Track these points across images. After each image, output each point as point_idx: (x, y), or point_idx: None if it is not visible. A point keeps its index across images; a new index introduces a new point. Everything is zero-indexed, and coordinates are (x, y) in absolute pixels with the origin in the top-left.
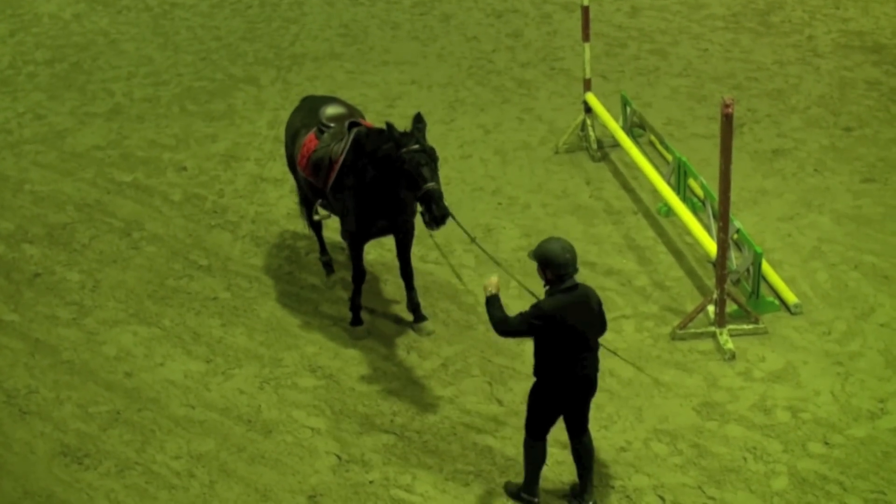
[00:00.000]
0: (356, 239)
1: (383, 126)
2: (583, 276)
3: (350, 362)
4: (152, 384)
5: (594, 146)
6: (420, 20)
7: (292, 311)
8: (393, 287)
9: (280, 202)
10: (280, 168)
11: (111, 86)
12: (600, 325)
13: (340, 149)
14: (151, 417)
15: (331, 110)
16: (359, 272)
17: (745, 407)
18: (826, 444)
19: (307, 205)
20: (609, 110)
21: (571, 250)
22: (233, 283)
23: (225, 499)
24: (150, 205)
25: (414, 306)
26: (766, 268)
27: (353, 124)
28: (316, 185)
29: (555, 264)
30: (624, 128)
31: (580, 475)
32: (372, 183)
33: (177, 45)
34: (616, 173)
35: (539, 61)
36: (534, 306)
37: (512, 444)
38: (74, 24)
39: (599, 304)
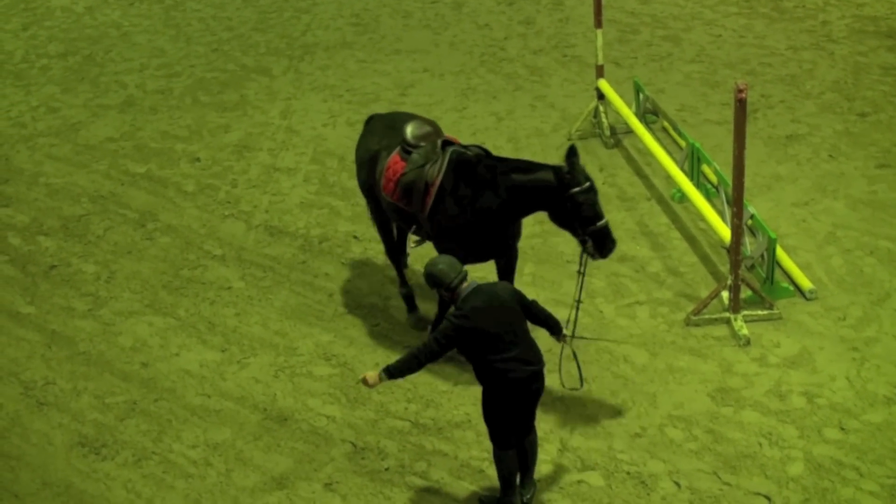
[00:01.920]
0: None
1: (478, 144)
2: (596, 262)
3: (364, 350)
4: (168, 374)
5: (607, 133)
6: (431, 8)
7: (307, 299)
8: (408, 273)
9: (293, 191)
10: (293, 157)
11: (124, 78)
12: (522, 314)
13: (436, 171)
14: (168, 407)
15: (415, 129)
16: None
17: (760, 393)
18: (842, 429)
19: (387, 231)
20: (622, 97)
21: (445, 261)
22: (247, 272)
23: (241, 487)
24: (163, 196)
25: None
26: (781, 253)
27: (446, 143)
28: (407, 209)
29: (433, 281)
30: (637, 114)
31: (521, 472)
32: (486, 210)
33: (189, 36)
34: (629, 159)
35: (551, 48)
36: (446, 320)
37: None
38: (87, 17)
39: (513, 293)
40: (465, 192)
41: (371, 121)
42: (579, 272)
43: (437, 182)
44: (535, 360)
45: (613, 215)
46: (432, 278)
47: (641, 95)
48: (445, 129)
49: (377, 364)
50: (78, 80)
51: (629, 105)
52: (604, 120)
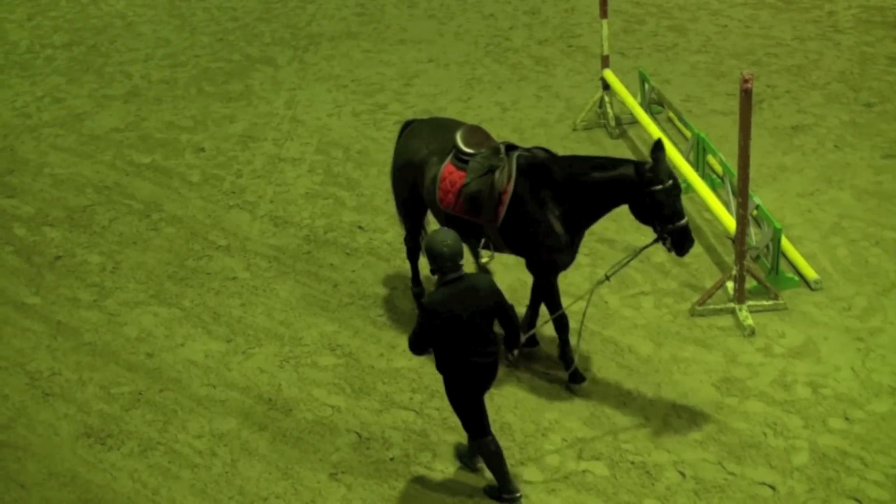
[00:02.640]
0: (556, 274)
1: (539, 146)
2: (601, 252)
3: (369, 340)
4: (173, 364)
5: (612, 123)
6: None
7: (311, 290)
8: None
9: (298, 182)
10: (298, 148)
11: (129, 68)
12: (494, 313)
13: (505, 178)
14: (173, 397)
15: (467, 136)
16: (564, 314)
17: (765, 383)
18: (846, 419)
19: (415, 236)
20: (627, 87)
21: (452, 245)
22: (252, 262)
23: (247, 477)
24: (168, 186)
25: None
26: (786, 244)
27: (509, 148)
28: (474, 221)
29: (432, 256)
30: (642, 104)
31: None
32: (573, 212)
33: (193, 26)
34: (634, 150)
35: (556, 38)
36: (420, 306)
37: (531, 420)
38: (92, 7)
39: (494, 292)
40: (546, 195)
41: (411, 125)
42: (601, 281)
43: (510, 190)
44: (494, 350)
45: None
46: (433, 253)
47: (647, 86)
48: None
49: (381, 354)
50: (83, 71)
51: (634, 95)
52: (609, 110)
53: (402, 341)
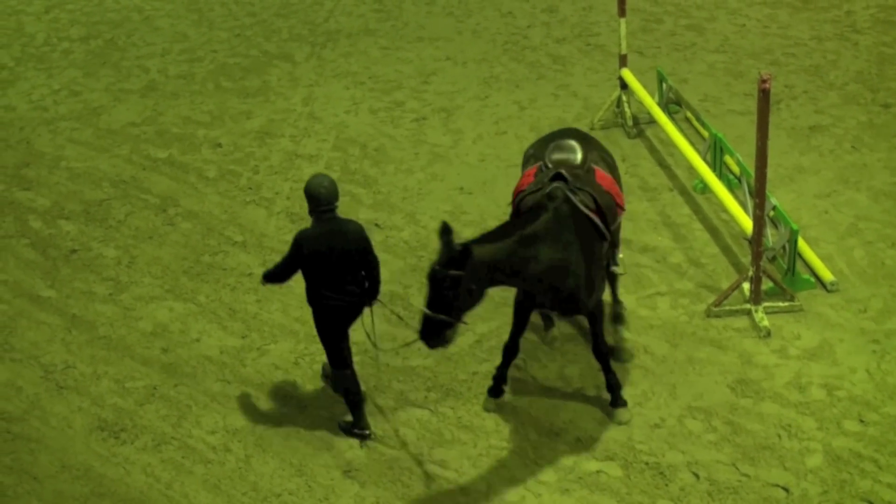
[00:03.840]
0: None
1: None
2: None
3: (385, 338)
4: (188, 359)
5: (630, 122)
6: None
7: None
8: (426, 263)
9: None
10: (315, 144)
11: (146, 62)
12: (361, 261)
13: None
14: (187, 392)
15: (555, 151)
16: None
17: (780, 384)
18: (861, 421)
19: None
20: (645, 86)
21: (328, 187)
22: (268, 258)
23: (260, 473)
24: (185, 181)
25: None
26: (803, 245)
27: (556, 177)
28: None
29: (309, 196)
30: (660, 104)
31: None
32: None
33: (211, 21)
34: (652, 150)
35: (574, 37)
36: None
37: (547, 419)
38: (109, 1)
39: (362, 239)
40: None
41: (557, 134)
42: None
43: None
44: (353, 292)
45: (635, 206)
46: (309, 193)
47: (664, 85)
48: (467, 117)
49: (396, 353)
50: (100, 64)
51: (652, 95)
52: (626, 110)
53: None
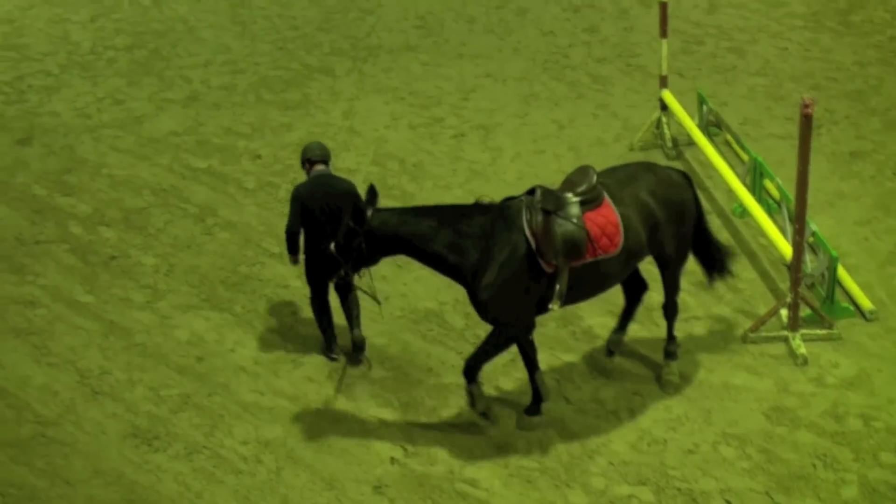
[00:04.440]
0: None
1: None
2: (654, 274)
3: (418, 355)
4: (223, 369)
5: (669, 144)
6: (496, 14)
7: (363, 302)
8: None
9: None
10: (353, 158)
11: (189, 73)
12: (348, 208)
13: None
14: (221, 402)
15: (571, 176)
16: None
17: (816, 413)
18: None
19: None
20: (685, 108)
21: (322, 147)
22: (303, 271)
23: (291, 485)
24: (224, 191)
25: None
26: (842, 272)
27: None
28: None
29: (302, 154)
30: (700, 126)
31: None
32: None
33: (254, 33)
34: (690, 172)
35: (615, 57)
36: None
37: (579, 441)
38: (154, 11)
39: (350, 193)
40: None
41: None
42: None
43: None
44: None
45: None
46: (303, 151)
47: (705, 107)
48: (506, 135)
49: (430, 370)
50: (144, 74)
51: (692, 117)
52: (666, 131)
53: (452, 357)
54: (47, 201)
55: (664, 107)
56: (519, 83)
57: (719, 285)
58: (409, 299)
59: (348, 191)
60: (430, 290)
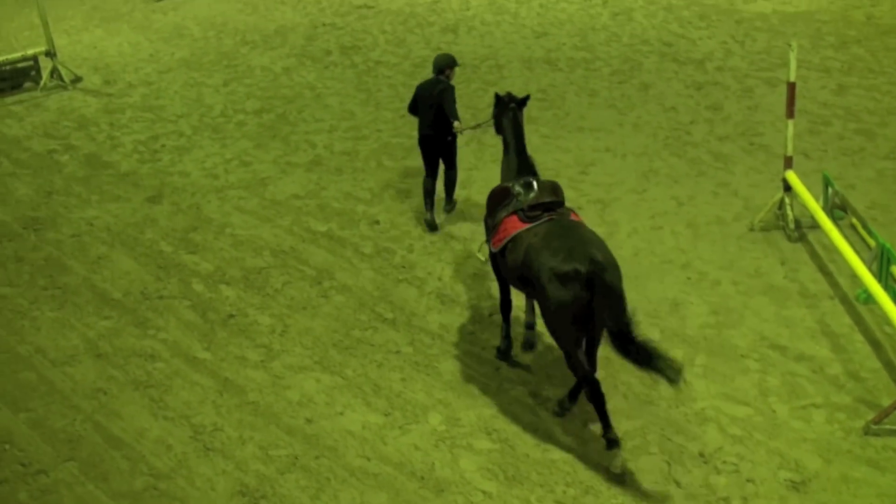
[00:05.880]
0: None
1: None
2: (772, 359)
3: (527, 428)
4: (331, 432)
5: (792, 226)
6: (618, 88)
7: (473, 370)
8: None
9: (467, 262)
10: (469, 228)
11: (313, 138)
12: (445, 103)
13: None
14: (328, 465)
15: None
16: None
17: None
18: None
19: None
20: (809, 190)
21: (439, 59)
22: (416, 338)
23: None
24: (341, 255)
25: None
26: None
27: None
28: None
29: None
30: (824, 209)
31: (446, 194)
32: None
33: (378, 101)
34: (813, 255)
35: (738, 135)
36: None
37: None
38: (284, 77)
39: (444, 91)
40: None
41: None
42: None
43: None
44: (430, 128)
45: (793, 311)
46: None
47: (830, 190)
48: (623, 210)
49: (538, 444)
50: (270, 137)
51: (816, 199)
52: (789, 212)
53: (559, 431)
54: (172, 258)
55: (788, 187)
56: (638, 158)
57: (841, 375)
58: (519, 370)
59: (444, 86)
60: (541, 364)
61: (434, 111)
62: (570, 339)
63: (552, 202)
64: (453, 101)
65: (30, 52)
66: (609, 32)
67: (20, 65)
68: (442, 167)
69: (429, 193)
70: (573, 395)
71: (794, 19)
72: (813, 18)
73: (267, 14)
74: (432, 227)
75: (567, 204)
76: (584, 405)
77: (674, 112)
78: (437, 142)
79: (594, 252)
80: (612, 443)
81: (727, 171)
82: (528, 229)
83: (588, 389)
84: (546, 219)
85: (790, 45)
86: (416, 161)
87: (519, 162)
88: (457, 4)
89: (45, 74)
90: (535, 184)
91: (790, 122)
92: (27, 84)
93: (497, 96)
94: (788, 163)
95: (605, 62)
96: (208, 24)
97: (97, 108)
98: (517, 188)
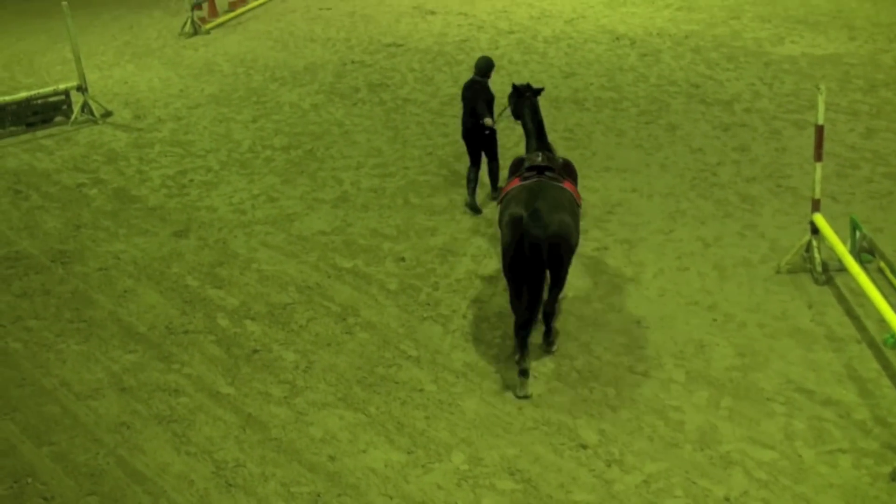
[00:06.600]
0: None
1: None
2: (799, 403)
3: (549, 469)
4: (354, 470)
5: (819, 269)
6: (645, 129)
7: (496, 410)
8: (599, 395)
9: (492, 300)
10: (495, 266)
11: (340, 174)
12: (480, 98)
13: None
14: None
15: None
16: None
17: None
18: None
19: None
20: (837, 233)
21: (480, 63)
22: (440, 376)
23: None
24: (366, 292)
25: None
26: None
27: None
28: None
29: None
30: (852, 252)
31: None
32: None
33: (406, 139)
34: (840, 299)
35: (765, 177)
36: None
37: None
38: (312, 114)
39: (482, 90)
40: None
41: None
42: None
43: None
44: (471, 121)
45: (819, 355)
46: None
47: (858, 233)
48: (649, 250)
49: (561, 485)
50: (298, 173)
51: (844, 242)
52: (816, 255)
53: (583, 473)
54: (198, 292)
55: (815, 230)
56: (665, 199)
57: (868, 420)
58: (542, 410)
59: (482, 85)
60: (564, 404)
61: (469, 108)
62: (509, 280)
63: (545, 166)
64: (483, 101)
65: (61, 86)
66: (637, 73)
67: (52, 99)
68: (485, 159)
69: (470, 181)
70: (546, 336)
71: (822, 62)
72: (841, 61)
73: (296, 51)
74: (475, 209)
75: (595, 245)
76: (609, 446)
77: (701, 153)
78: (476, 135)
79: (540, 204)
80: (523, 373)
81: (754, 212)
82: (515, 185)
83: (517, 324)
84: (534, 179)
85: (818, 88)
86: (443, 199)
87: (538, 141)
88: (486, 43)
89: (76, 109)
90: (541, 155)
91: (818, 165)
92: (58, 118)
93: (514, 86)
94: (816, 206)
95: (632, 102)
96: (238, 61)
97: (126, 143)
98: (529, 157)
